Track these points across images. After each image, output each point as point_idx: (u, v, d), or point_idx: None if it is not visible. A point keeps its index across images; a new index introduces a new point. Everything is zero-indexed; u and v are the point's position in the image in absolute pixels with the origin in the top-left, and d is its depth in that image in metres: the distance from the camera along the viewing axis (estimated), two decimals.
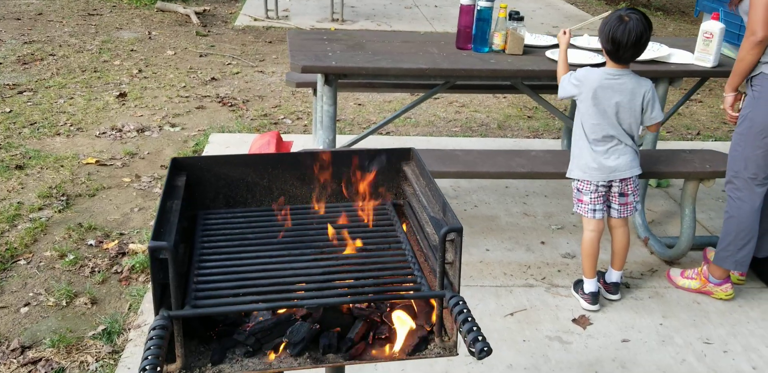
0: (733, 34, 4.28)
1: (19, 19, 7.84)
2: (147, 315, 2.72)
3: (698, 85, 3.77)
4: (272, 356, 1.41)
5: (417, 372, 2.43)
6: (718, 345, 2.67)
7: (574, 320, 2.76)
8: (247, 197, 1.77)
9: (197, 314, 1.36)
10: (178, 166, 1.71)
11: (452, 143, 4.62)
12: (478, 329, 1.25)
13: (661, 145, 3.87)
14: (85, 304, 2.82)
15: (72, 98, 5.33)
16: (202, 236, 1.63)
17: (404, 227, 1.72)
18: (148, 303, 2.79)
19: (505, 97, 5.80)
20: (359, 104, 5.51)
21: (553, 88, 4.02)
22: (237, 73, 6.21)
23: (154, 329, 1.27)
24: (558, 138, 4.78)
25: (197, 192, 1.75)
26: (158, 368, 1.19)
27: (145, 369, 1.18)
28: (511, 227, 3.52)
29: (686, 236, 3.01)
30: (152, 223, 3.47)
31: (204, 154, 4.35)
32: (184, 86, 5.74)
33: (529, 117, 5.37)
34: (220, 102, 5.40)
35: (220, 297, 1.41)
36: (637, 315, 2.82)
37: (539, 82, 3.25)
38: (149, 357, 1.20)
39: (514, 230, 3.49)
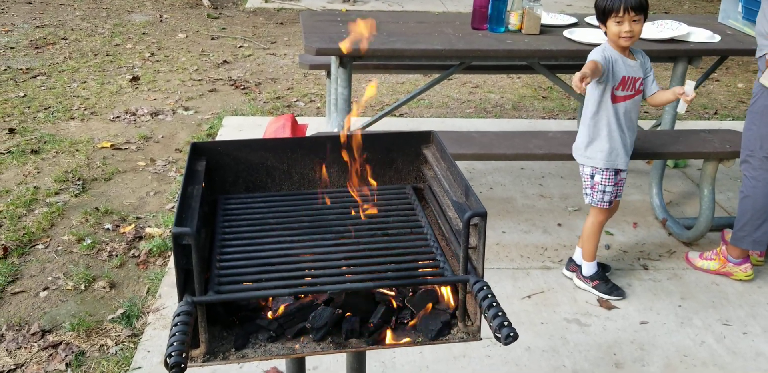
0: (753, 12, 4.20)
1: (30, 2, 7.82)
2: (165, 299, 2.74)
3: (717, 64, 3.71)
4: (294, 341, 1.41)
5: (435, 354, 2.44)
6: (738, 327, 2.66)
7: (595, 301, 2.75)
8: (267, 181, 1.77)
9: (221, 299, 1.36)
10: (197, 151, 1.70)
11: (467, 124, 4.59)
12: (504, 314, 1.25)
13: (679, 125, 3.81)
14: (104, 288, 2.84)
15: (85, 82, 5.33)
16: (223, 221, 1.62)
17: (425, 210, 1.71)
18: (166, 287, 2.81)
19: (519, 78, 5.75)
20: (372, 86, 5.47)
21: (570, 68, 3.98)
22: (249, 55, 6.18)
23: (178, 315, 1.27)
24: (574, 119, 4.73)
25: (217, 177, 1.75)
26: (184, 354, 1.19)
27: (171, 355, 1.18)
28: (527, 209, 3.50)
29: (705, 217, 2.98)
30: (168, 206, 3.49)
31: (218, 137, 4.35)
32: (197, 69, 5.72)
33: (543, 98, 5.32)
34: (232, 85, 5.38)
35: (244, 282, 1.41)
36: (656, 297, 2.81)
37: (556, 62, 3.22)
38: (175, 343, 1.20)
39: (531, 211, 3.47)
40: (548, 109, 5.06)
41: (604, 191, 2.69)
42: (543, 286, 2.86)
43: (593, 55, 2.58)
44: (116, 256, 3.06)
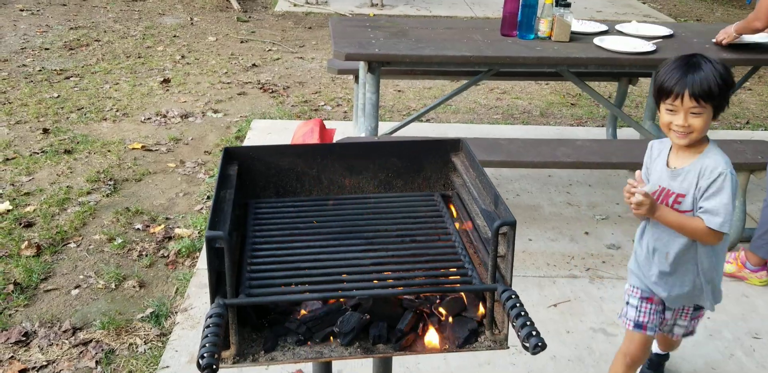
0: None
1: (65, 5, 7.96)
2: (193, 299, 2.77)
3: (751, 73, 3.67)
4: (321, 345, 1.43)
5: (460, 360, 2.45)
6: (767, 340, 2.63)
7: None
8: (297, 186, 1.79)
9: (252, 302, 1.38)
10: (230, 155, 1.73)
11: (494, 131, 4.58)
12: (532, 323, 1.25)
13: (710, 135, 3.78)
14: (134, 287, 2.89)
15: (117, 84, 5.41)
16: (254, 225, 1.65)
17: (453, 218, 1.72)
18: (194, 287, 2.85)
19: (547, 84, 5.73)
20: (399, 91, 5.49)
21: (600, 75, 3.96)
22: (277, 59, 6.23)
23: (211, 316, 1.30)
24: (602, 126, 4.70)
25: (248, 181, 1.77)
26: (216, 355, 1.22)
27: (204, 356, 1.20)
28: (554, 217, 3.49)
29: (736, 228, 2.96)
30: (197, 208, 3.54)
31: (246, 140, 4.39)
32: (226, 72, 5.79)
33: (572, 104, 5.29)
34: (261, 88, 5.43)
35: (274, 286, 1.43)
36: None
37: (585, 69, 3.21)
38: (207, 344, 1.23)
39: (558, 219, 3.46)
40: (576, 116, 5.04)
41: (628, 303, 2.08)
42: (569, 295, 2.85)
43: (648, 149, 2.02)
44: (146, 256, 3.11)
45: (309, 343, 1.45)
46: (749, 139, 3.16)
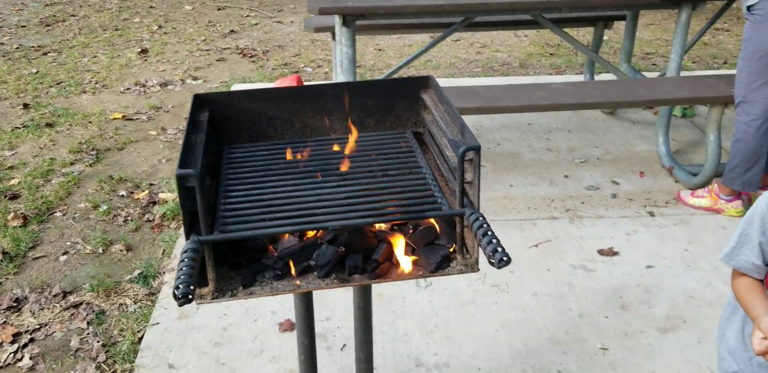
0: None
1: None
2: (177, 263, 2.80)
3: (723, 10, 3.67)
4: (299, 278, 1.46)
5: (444, 301, 2.50)
6: None
7: (599, 251, 2.78)
8: (269, 130, 1.80)
9: (226, 238, 1.40)
10: (200, 102, 1.73)
11: (473, 83, 4.59)
12: (498, 241, 1.28)
13: (686, 75, 3.79)
14: (121, 251, 2.92)
15: (95, 57, 5.38)
16: (227, 169, 1.67)
17: (425, 153, 1.74)
18: (180, 248, 2.87)
19: (526, 36, 5.71)
20: (379, 50, 5.47)
21: (575, 21, 3.95)
22: (256, 24, 6.18)
23: (185, 252, 1.32)
24: (581, 73, 4.71)
25: (221, 128, 1.78)
26: (191, 286, 1.24)
27: (179, 287, 1.23)
28: (534, 163, 3.52)
29: (711, 162, 2.99)
30: None
31: None
32: (204, 40, 5.75)
33: (551, 54, 5.29)
34: (240, 54, 5.40)
35: (248, 222, 1.45)
36: (662, 242, 2.84)
37: (559, 14, 3.20)
38: (182, 276, 1.25)
39: (538, 165, 3.49)
40: (555, 65, 5.04)
41: None
42: (549, 235, 2.90)
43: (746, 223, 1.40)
44: (131, 221, 3.13)
45: (287, 277, 1.48)
46: (723, 74, 3.17)
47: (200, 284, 1.42)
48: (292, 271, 1.47)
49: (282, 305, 2.51)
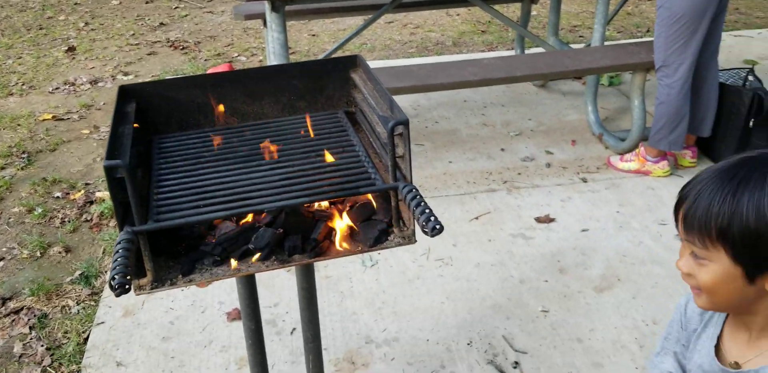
0: None
1: None
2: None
3: None
4: (238, 262, 1.46)
5: (390, 279, 2.53)
6: (673, 225, 2.79)
7: (536, 219, 2.86)
8: (200, 118, 1.79)
9: (160, 227, 1.40)
10: (125, 93, 1.71)
11: (408, 63, 4.62)
12: (431, 210, 1.31)
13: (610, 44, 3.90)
14: (60, 253, 2.86)
15: (20, 57, 5.21)
16: (158, 159, 1.65)
17: (357, 132, 1.76)
18: None
19: (458, 15, 5.76)
20: (313, 35, 5.44)
21: None
22: (185, 15, 6.07)
23: (119, 243, 1.31)
24: (512, 49, 4.79)
25: (149, 118, 1.76)
26: (127, 277, 1.23)
27: (114, 277, 1.22)
28: (471, 138, 3.58)
29: (637, 127, 3.10)
30: None
31: None
32: (133, 34, 5.62)
33: (483, 32, 5.35)
34: (171, 46, 5.31)
35: (182, 210, 1.45)
36: (595, 206, 2.94)
37: None
38: (117, 267, 1.24)
39: (475, 140, 3.55)
40: (487, 42, 5.11)
41: None
42: (489, 207, 2.96)
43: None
44: (69, 222, 3.07)
45: (226, 263, 1.48)
46: (645, 40, 3.26)
47: (138, 275, 1.42)
48: (232, 256, 1.48)
49: (229, 295, 2.51)
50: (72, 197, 3.27)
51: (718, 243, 0.98)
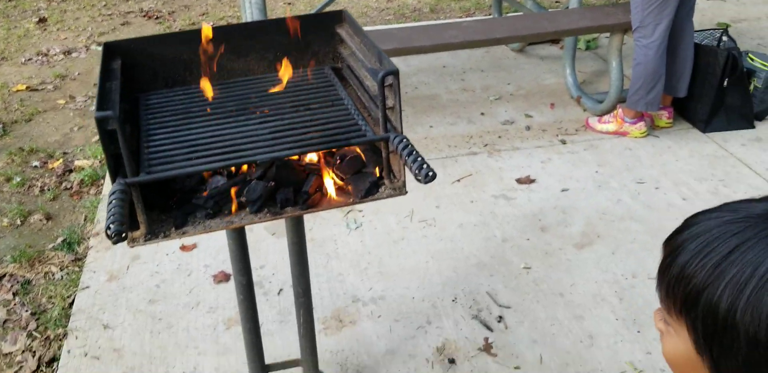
0: None
1: None
2: (104, 223, 2.75)
3: None
4: (232, 214, 1.48)
5: (375, 240, 2.56)
6: (650, 184, 2.86)
7: (517, 180, 2.90)
8: (185, 75, 1.78)
9: (153, 178, 1.40)
10: (111, 50, 1.70)
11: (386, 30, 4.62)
12: (423, 159, 1.34)
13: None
14: (41, 220, 2.84)
15: None
16: (146, 115, 1.65)
17: (345, 87, 1.76)
18: (103, 212, 2.83)
19: None
20: (289, 3, 5.40)
21: None
22: None
23: (112, 194, 1.31)
24: (489, 15, 4.79)
25: (135, 75, 1.75)
26: (123, 224, 1.24)
27: (110, 226, 1.23)
28: (451, 103, 3.60)
29: (615, 88, 3.14)
30: (95, 139, 3.45)
31: None
32: (105, 5, 5.52)
33: None
34: (144, 16, 5.22)
35: (174, 162, 1.45)
36: (575, 167, 2.99)
37: None
38: (113, 216, 1.24)
39: (455, 105, 3.58)
40: (465, 8, 5.10)
41: None
42: (471, 170, 3.00)
43: None
44: (48, 190, 3.05)
45: (218, 216, 1.49)
46: (622, 2, 3.29)
47: (131, 228, 1.42)
48: (224, 209, 1.49)
49: (214, 257, 2.53)
50: (50, 166, 3.24)
51: (681, 317, 0.73)
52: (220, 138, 1.53)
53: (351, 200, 1.52)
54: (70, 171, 3.19)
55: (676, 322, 0.75)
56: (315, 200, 1.52)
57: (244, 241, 1.70)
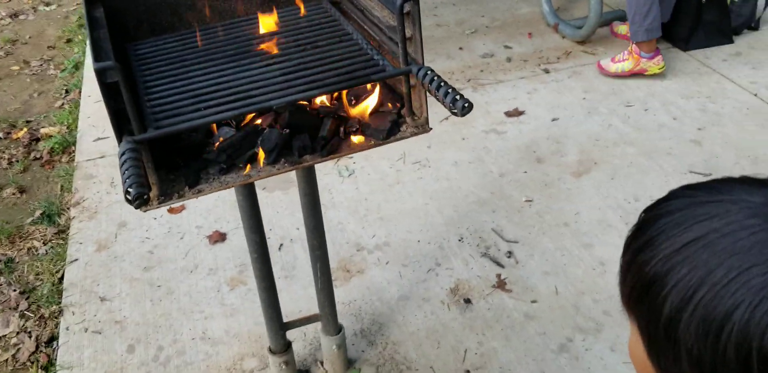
0: None
1: None
2: (83, 192, 2.62)
3: None
4: (248, 168, 1.39)
5: (370, 187, 2.50)
6: (639, 106, 2.85)
7: (506, 113, 2.86)
8: (174, 20, 1.65)
9: (164, 133, 1.29)
10: None
11: None
12: (455, 90, 1.26)
13: None
14: (14, 194, 2.70)
15: None
16: (139, 66, 1.52)
17: (349, 21, 1.65)
18: (80, 180, 2.69)
19: None
20: None
21: None
22: None
23: (123, 154, 1.20)
24: None
25: (119, 24, 1.61)
26: (144, 185, 1.14)
27: (129, 190, 1.12)
28: (427, 40, 3.46)
29: (594, 13, 3.07)
30: (57, 104, 3.28)
31: None
32: None
33: None
34: None
35: (182, 115, 1.35)
36: (561, 95, 2.95)
37: None
38: (131, 177, 1.13)
39: (431, 41, 3.47)
40: None
41: None
42: None
43: None
44: (17, 162, 2.89)
45: (233, 170, 1.40)
46: None
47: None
48: (238, 162, 1.40)
49: (205, 218, 2.44)
50: (15, 136, 3.06)
51: (630, 312, 0.61)
52: (226, 85, 1.42)
53: (373, 142, 1.44)
54: (37, 140, 3.03)
55: (629, 315, 0.61)
56: (335, 145, 1.44)
57: (255, 197, 1.61)
